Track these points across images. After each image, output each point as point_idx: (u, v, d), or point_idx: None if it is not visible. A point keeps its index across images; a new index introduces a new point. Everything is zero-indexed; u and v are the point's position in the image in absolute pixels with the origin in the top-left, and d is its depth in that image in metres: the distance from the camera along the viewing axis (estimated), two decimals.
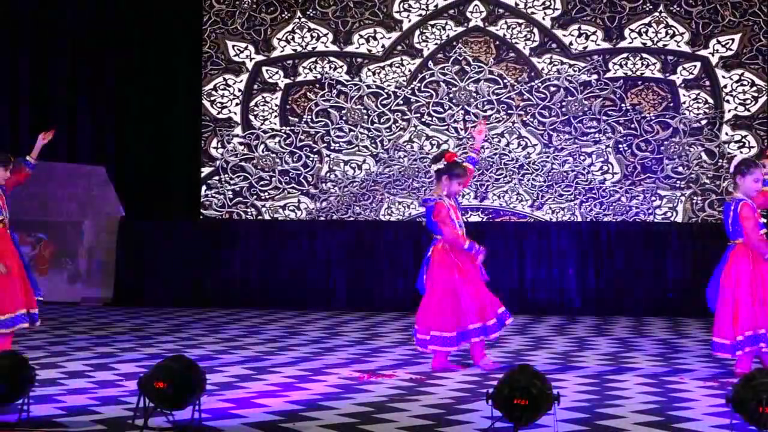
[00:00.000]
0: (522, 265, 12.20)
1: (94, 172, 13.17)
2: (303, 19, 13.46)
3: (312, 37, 13.44)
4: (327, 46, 13.42)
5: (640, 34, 12.71)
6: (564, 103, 12.76)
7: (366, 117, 13.27)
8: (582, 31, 12.82)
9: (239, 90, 13.51)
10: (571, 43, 12.84)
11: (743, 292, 7.22)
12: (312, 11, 13.42)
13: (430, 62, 13.14)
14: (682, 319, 11.22)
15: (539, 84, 12.86)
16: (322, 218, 13.07)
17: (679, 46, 12.61)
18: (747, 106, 12.44)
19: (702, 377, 7.25)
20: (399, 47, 13.25)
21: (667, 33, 12.65)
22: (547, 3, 12.90)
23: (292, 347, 8.91)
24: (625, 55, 12.72)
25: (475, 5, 13.09)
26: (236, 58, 13.57)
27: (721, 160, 12.36)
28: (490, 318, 7.51)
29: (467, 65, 13.06)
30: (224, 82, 13.54)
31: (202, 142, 13.49)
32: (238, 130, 13.47)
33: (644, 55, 12.70)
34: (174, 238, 12.95)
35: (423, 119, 13.12)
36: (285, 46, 13.50)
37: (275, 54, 13.51)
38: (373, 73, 13.25)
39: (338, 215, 13.13)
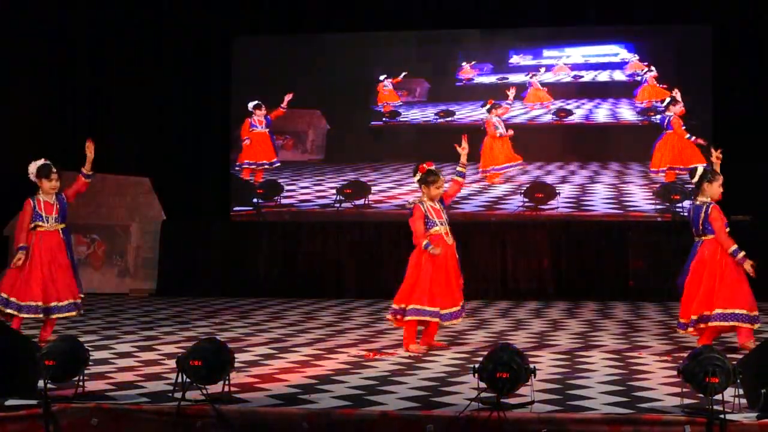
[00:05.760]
0: (504, 257, 12.17)
1: (140, 182, 13.18)
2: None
3: None
4: None
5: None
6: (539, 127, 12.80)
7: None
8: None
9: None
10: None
11: (709, 279, 7.19)
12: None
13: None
14: (641, 303, 11.20)
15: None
16: (334, 220, 13.03)
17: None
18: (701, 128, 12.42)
19: (658, 353, 7.25)
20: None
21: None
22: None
23: (309, 330, 8.91)
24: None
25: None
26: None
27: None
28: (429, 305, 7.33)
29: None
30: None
31: (231, 156, 13.45)
32: None
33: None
34: (208, 238, 12.93)
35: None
36: None
37: None
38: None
39: (347, 218, 13.09)
